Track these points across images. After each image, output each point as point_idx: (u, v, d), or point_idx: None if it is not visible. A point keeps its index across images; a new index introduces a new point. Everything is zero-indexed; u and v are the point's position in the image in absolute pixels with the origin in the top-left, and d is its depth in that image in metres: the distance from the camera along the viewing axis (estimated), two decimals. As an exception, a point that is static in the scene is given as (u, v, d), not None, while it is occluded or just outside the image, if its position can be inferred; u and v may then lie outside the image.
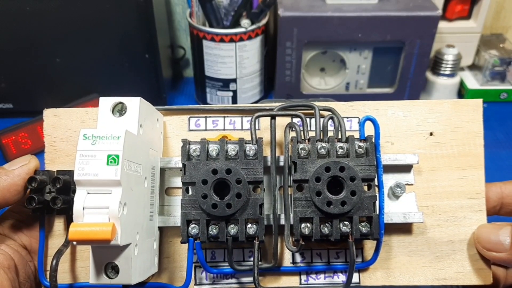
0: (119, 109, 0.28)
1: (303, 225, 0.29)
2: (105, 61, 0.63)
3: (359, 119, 0.33)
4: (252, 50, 0.64)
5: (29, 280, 0.31)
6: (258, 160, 0.29)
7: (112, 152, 0.25)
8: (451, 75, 0.68)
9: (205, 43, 0.62)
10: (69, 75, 0.63)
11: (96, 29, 0.60)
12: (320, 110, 0.32)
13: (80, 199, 0.24)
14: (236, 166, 0.29)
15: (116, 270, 0.25)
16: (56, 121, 0.32)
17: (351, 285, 0.30)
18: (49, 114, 0.32)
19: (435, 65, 0.68)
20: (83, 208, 0.24)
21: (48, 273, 0.30)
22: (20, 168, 0.30)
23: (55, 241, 0.31)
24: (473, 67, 0.72)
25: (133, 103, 0.28)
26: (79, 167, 0.25)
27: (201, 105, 0.34)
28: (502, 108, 0.70)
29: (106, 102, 0.28)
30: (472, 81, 0.71)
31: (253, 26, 0.62)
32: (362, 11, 0.59)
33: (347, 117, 0.33)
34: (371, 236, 0.29)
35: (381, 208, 0.29)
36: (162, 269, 0.31)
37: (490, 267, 0.31)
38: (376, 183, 0.30)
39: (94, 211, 0.24)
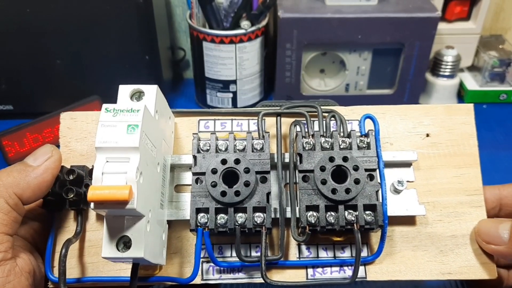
0: (137, 97, 0.29)
1: (309, 213, 0.30)
2: (106, 62, 0.63)
3: (359, 121, 0.34)
4: (252, 51, 0.64)
5: (40, 285, 0.31)
6: (265, 152, 0.31)
7: (131, 123, 0.26)
8: (451, 76, 0.68)
9: (205, 44, 0.63)
10: (70, 76, 0.64)
11: (97, 30, 0.60)
12: (323, 112, 0.33)
13: (100, 165, 0.26)
14: (245, 157, 0.31)
15: (127, 246, 0.26)
16: (72, 123, 0.34)
17: (358, 279, 0.31)
18: (66, 117, 0.34)
19: (435, 66, 0.69)
20: (102, 174, 0.25)
21: (55, 269, 0.31)
22: (46, 163, 0.30)
23: (65, 238, 0.31)
24: (472, 68, 0.72)
25: (151, 89, 0.29)
26: (100, 135, 0.26)
27: (210, 109, 0.36)
28: (502, 109, 0.70)
29: (125, 89, 0.29)
30: (471, 82, 0.71)
31: (253, 28, 0.62)
32: (362, 13, 0.59)
33: (348, 120, 0.34)
34: (375, 224, 0.30)
35: (384, 198, 0.30)
36: (168, 264, 0.32)
37: (494, 261, 0.32)
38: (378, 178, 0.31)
39: (112, 177, 0.25)
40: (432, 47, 0.62)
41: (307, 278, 0.31)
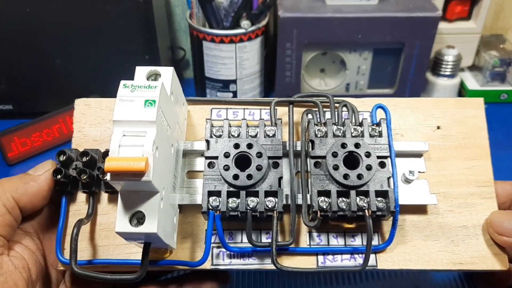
0: (153, 78, 0.30)
1: (320, 199, 0.30)
2: (105, 62, 0.63)
3: (370, 111, 0.34)
4: (252, 51, 0.64)
5: (41, 278, 0.31)
6: (277, 138, 0.31)
7: (149, 98, 0.26)
8: (451, 75, 0.68)
9: (205, 44, 0.62)
10: (69, 76, 0.63)
11: (96, 30, 0.60)
12: (334, 103, 0.33)
13: (117, 138, 0.26)
14: (257, 142, 0.31)
15: (141, 222, 0.26)
16: (87, 109, 0.34)
17: (369, 267, 0.31)
18: (80, 103, 0.35)
19: (435, 65, 0.68)
20: (119, 147, 0.25)
21: (65, 251, 0.31)
22: (46, 174, 0.31)
23: (75, 220, 0.31)
24: (473, 67, 0.72)
25: (167, 71, 0.30)
26: (118, 109, 0.26)
27: (223, 98, 0.36)
28: (502, 109, 0.70)
29: (142, 70, 0.30)
30: (472, 82, 0.71)
31: (253, 27, 0.62)
32: (362, 12, 0.59)
33: (359, 111, 0.34)
34: (387, 211, 0.29)
35: (395, 186, 0.30)
36: (179, 249, 0.32)
37: (505, 251, 0.31)
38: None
39: (129, 149, 0.25)
40: (433, 46, 0.62)
41: (317, 265, 0.31)
